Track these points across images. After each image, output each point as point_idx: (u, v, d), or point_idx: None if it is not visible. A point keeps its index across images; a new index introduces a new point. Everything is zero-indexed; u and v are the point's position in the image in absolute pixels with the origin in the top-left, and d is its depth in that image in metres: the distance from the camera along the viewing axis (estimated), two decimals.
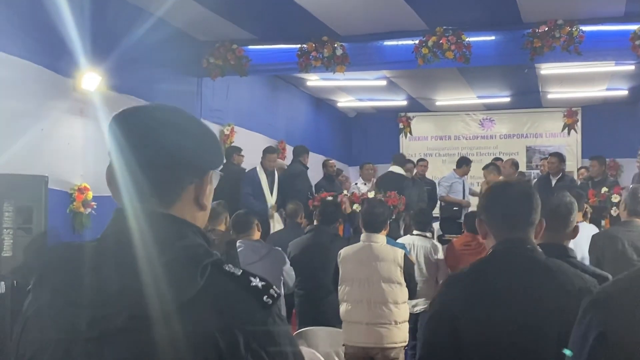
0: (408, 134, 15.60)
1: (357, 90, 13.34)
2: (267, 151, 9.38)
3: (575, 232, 3.25)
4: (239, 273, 1.39)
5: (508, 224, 2.53)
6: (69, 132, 7.03)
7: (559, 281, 2.42)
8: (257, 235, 5.66)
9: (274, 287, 1.40)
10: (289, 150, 11.63)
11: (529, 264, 2.47)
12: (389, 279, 5.03)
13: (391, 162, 10.37)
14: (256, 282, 1.38)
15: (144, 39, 7.69)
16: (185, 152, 1.44)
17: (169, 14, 8.03)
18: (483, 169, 10.79)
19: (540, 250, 2.56)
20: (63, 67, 6.88)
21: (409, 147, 15.50)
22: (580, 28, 8.28)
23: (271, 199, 9.13)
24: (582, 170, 11.82)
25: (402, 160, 10.60)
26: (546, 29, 8.32)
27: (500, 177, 9.91)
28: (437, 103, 14.37)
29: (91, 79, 7.13)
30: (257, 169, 9.18)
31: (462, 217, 9.68)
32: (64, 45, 6.57)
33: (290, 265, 5.76)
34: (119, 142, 1.43)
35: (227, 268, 1.38)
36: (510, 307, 2.37)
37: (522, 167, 13.69)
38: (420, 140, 15.53)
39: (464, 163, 11.36)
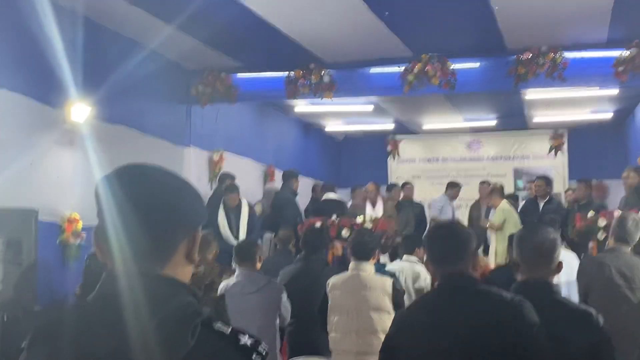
0: (396, 157, 15.64)
1: (345, 114, 13.42)
2: (228, 190, 9.18)
3: (559, 268, 3.30)
4: (228, 331, 1.43)
5: (440, 259, 2.88)
6: (59, 163, 7.07)
7: (489, 308, 2.64)
8: (257, 265, 5.66)
9: (263, 344, 1.44)
10: (278, 175, 11.70)
11: (469, 296, 2.71)
12: (377, 307, 5.07)
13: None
14: (245, 340, 1.43)
15: (134, 70, 7.79)
16: (181, 211, 1.50)
17: (158, 45, 8.13)
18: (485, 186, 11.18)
19: (474, 279, 2.83)
20: (52, 98, 6.93)
21: (397, 169, 15.55)
22: (564, 55, 8.41)
23: (231, 238, 8.83)
24: (569, 192, 11.93)
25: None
26: (530, 55, 8.44)
27: (503, 201, 9.99)
28: (425, 126, 14.48)
29: (81, 110, 7.19)
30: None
31: None
32: (53, 77, 6.65)
33: None
34: (118, 203, 1.46)
35: (216, 327, 1.43)
36: (447, 336, 2.55)
37: (510, 189, 13.80)
38: (409, 162, 15.57)
39: (454, 187, 11.57)
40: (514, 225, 9.13)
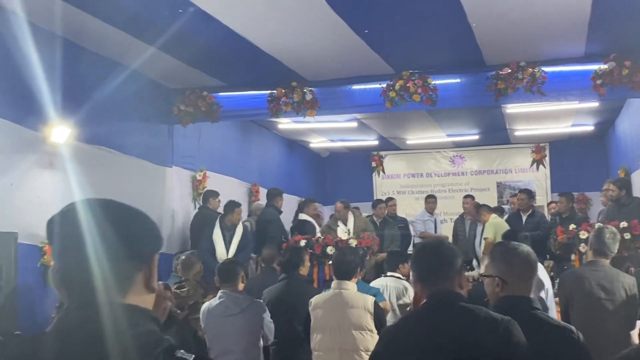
0: (381, 173, 15.73)
1: (328, 131, 13.46)
2: (232, 206, 9.28)
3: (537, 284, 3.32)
4: (191, 359, 1.43)
5: (426, 278, 2.93)
6: (39, 185, 7.01)
7: (478, 326, 2.66)
8: (241, 286, 5.62)
9: None
10: (263, 192, 11.69)
11: (457, 314, 2.73)
12: (359, 326, 5.06)
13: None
14: None
15: (115, 90, 7.79)
16: (134, 242, 1.52)
17: (139, 65, 8.13)
18: (469, 200, 11.18)
19: (461, 297, 2.85)
20: (32, 120, 6.89)
21: (382, 185, 15.63)
22: (543, 69, 8.50)
23: (224, 254, 8.88)
24: (553, 204, 11.99)
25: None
26: (509, 71, 8.51)
27: (492, 215, 10.01)
28: (408, 142, 14.55)
29: (60, 132, 7.15)
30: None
31: None
32: (33, 99, 6.63)
33: None
34: (73, 237, 1.47)
35: (178, 354, 1.43)
36: (435, 353, 2.58)
37: (494, 202, 13.86)
38: (393, 178, 15.66)
39: (429, 199, 11.72)
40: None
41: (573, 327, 3.22)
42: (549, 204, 12.55)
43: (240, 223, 9.22)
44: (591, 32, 7.56)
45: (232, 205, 9.21)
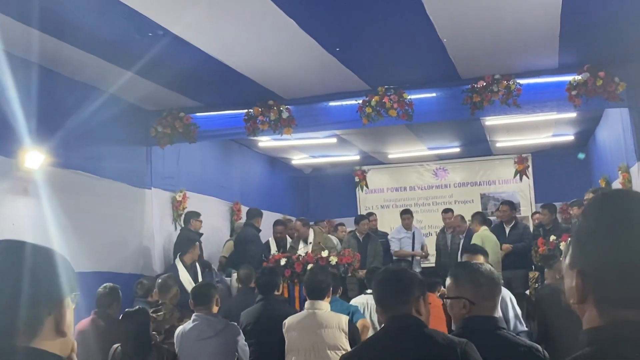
0: (364, 187, 15.72)
1: (309, 148, 13.46)
2: (190, 246, 8.73)
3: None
4: None
5: (384, 303, 3.03)
6: (13, 212, 6.96)
7: (435, 350, 2.74)
8: (215, 309, 5.58)
9: None
10: (245, 211, 11.64)
11: (414, 337, 2.81)
12: (334, 346, 5.03)
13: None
14: None
15: (91, 114, 7.80)
16: (43, 286, 1.49)
17: (115, 89, 8.13)
18: (448, 213, 11.18)
19: (419, 321, 2.91)
20: (5, 147, 6.86)
21: (366, 200, 15.62)
22: (517, 82, 8.53)
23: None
24: (537, 215, 12.01)
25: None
26: (484, 84, 8.54)
27: (482, 227, 10.00)
28: (390, 156, 14.55)
29: (34, 158, 7.11)
30: (176, 262, 8.61)
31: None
32: (6, 125, 6.60)
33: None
34: None
35: None
36: None
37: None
38: (377, 192, 15.65)
39: (404, 215, 11.51)
40: (491, 250, 9.16)
41: (539, 346, 3.21)
42: (532, 215, 12.56)
43: (197, 264, 8.74)
44: (563, 43, 7.60)
45: (190, 243, 8.77)
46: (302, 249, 9.90)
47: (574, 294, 1.40)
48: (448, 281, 3.30)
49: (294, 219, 11.33)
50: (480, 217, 10.29)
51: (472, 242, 9.69)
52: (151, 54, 7.04)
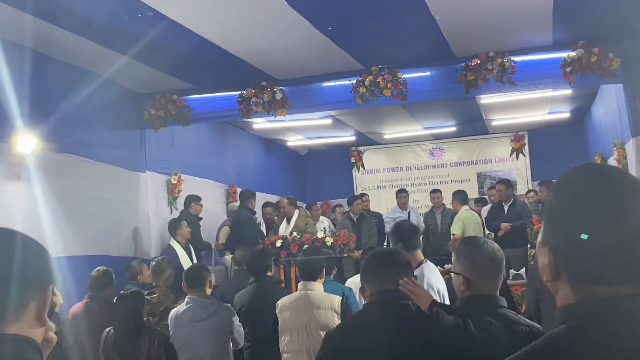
0: (361, 168, 15.71)
1: (304, 129, 13.42)
2: (177, 226, 8.92)
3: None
4: None
5: (373, 281, 3.07)
6: (6, 197, 6.93)
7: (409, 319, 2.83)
8: (208, 291, 5.57)
9: None
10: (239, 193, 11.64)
11: (394, 309, 2.88)
12: (326, 326, 5.01)
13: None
14: None
15: (84, 98, 7.76)
16: (26, 272, 1.48)
17: (108, 72, 8.08)
18: (437, 194, 11.11)
19: (405, 297, 2.98)
20: None
21: (362, 180, 15.62)
22: (512, 59, 8.48)
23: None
24: (531, 193, 11.99)
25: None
26: (478, 62, 8.49)
27: (464, 207, 9.96)
28: (386, 136, 14.52)
29: (27, 142, 7.06)
30: (171, 243, 8.78)
31: None
32: None
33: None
34: None
35: None
36: (374, 349, 2.64)
37: (475, 194, 13.88)
38: (373, 173, 15.65)
39: (400, 194, 11.54)
40: (472, 230, 9.16)
41: (539, 327, 3.20)
42: (527, 193, 12.55)
43: (190, 245, 8.93)
44: (556, 20, 7.55)
45: (176, 222, 8.94)
46: (283, 228, 9.92)
47: (547, 271, 1.38)
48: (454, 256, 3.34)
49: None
50: (462, 197, 10.17)
51: (453, 225, 9.66)
52: (145, 38, 6.99)
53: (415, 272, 4.64)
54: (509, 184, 10.74)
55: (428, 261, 4.76)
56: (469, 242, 3.42)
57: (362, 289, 3.16)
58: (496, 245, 3.28)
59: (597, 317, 1.29)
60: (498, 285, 3.19)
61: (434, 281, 4.42)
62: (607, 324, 1.28)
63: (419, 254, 4.76)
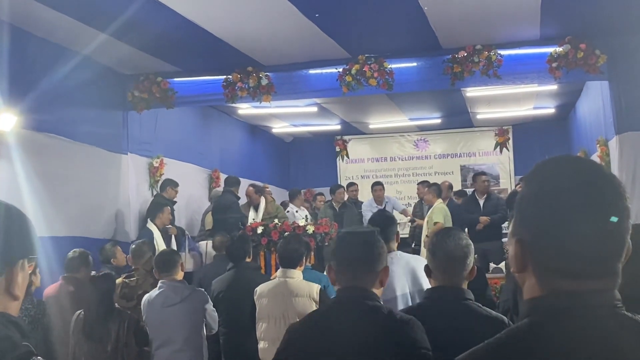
0: (345, 157, 15.69)
1: (290, 116, 13.36)
2: (159, 210, 8.99)
3: (472, 273, 3.26)
4: None
5: (348, 272, 2.72)
6: None
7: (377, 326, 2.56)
8: (180, 275, 5.53)
9: None
10: (224, 179, 11.56)
11: (360, 311, 2.60)
12: (304, 314, 4.98)
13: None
14: None
15: (65, 76, 7.63)
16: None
17: (90, 51, 7.97)
18: (425, 186, 10.87)
19: (376, 298, 2.68)
20: None
21: (346, 170, 15.60)
22: (499, 52, 8.46)
23: None
24: (519, 186, 12.02)
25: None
26: (465, 54, 8.47)
27: (439, 200, 9.94)
28: (371, 126, 14.50)
29: (6, 119, 6.96)
30: (148, 225, 8.80)
31: None
32: None
33: (214, 303, 5.69)
34: None
35: None
36: (333, 350, 2.48)
37: (458, 186, 13.90)
38: (357, 162, 15.63)
39: (375, 187, 11.38)
40: (449, 222, 9.24)
41: (505, 318, 3.22)
42: (517, 185, 12.51)
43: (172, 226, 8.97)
44: (544, 14, 7.53)
45: (160, 206, 8.96)
46: (251, 216, 9.89)
47: (514, 262, 1.36)
48: None
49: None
50: (437, 190, 10.18)
51: (436, 215, 9.64)
52: (127, 16, 6.86)
53: None
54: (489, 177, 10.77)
55: (398, 252, 4.66)
56: (438, 234, 3.42)
57: (329, 268, 2.81)
58: (465, 241, 3.26)
59: (561, 312, 1.27)
60: (458, 279, 3.18)
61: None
62: (570, 319, 1.26)
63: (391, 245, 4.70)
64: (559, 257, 1.29)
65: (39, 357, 1.37)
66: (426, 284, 4.13)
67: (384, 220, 4.70)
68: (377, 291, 2.74)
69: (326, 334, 2.58)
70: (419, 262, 4.28)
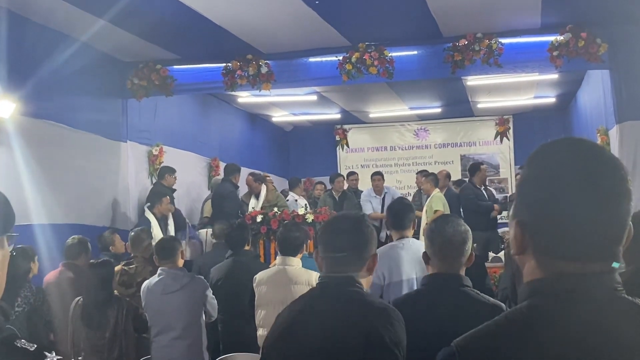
0: (345, 146, 15.67)
1: (290, 105, 13.32)
2: (157, 198, 8.91)
3: (470, 260, 3.25)
4: (32, 349, 1.34)
5: (332, 258, 2.58)
6: None
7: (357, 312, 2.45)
8: (180, 262, 5.51)
9: None
10: (223, 167, 11.54)
11: (339, 302, 2.50)
12: None
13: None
14: (51, 357, 1.34)
15: (64, 63, 7.60)
16: None
17: (90, 38, 7.93)
18: (422, 175, 10.78)
19: (358, 285, 2.55)
20: None
21: (346, 159, 15.58)
22: (499, 41, 8.43)
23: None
24: (518, 176, 11.98)
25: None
26: (466, 42, 8.44)
27: (436, 190, 9.91)
28: (371, 115, 14.46)
29: (5, 106, 6.93)
30: (146, 214, 8.72)
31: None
32: None
33: (213, 291, 5.68)
34: None
35: (19, 344, 1.33)
36: (313, 336, 2.43)
37: (458, 175, 13.88)
38: (357, 152, 15.61)
39: (375, 177, 11.05)
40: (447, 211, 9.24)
41: (503, 305, 3.22)
42: (516, 176, 12.47)
43: (170, 214, 8.92)
44: (545, 3, 7.51)
45: (159, 195, 8.89)
46: (252, 205, 9.87)
47: (514, 244, 1.35)
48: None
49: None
50: (435, 179, 10.14)
51: (435, 203, 9.60)
52: (125, 2, 6.81)
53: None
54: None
55: (410, 239, 4.80)
56: (436, 220, 3.41)
57: (315, 253, 2.69)
58: (463, 227, 3.24)
59: (561, 294, 1.26)
60: (456, 265, 3.18)
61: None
62: (571, 302, 1.25)
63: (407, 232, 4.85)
64: (559, 239, 1.28)
65: (22, 340, 1.36)
66: None
67: (402, 208, 4.94)
68: (366, 279, 2.64)
69: (304, 320, 2.50)
70: None
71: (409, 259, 4.56)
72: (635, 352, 1.20)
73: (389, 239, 8.13)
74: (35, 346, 1.34)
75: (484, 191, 10.19)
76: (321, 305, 2.53)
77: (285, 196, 11.05)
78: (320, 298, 2.58)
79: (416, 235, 10.14)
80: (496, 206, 9.82)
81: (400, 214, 4.87)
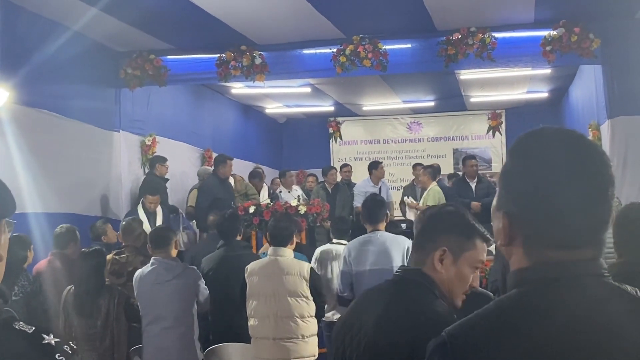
0: (338, 139, 15.68)
1: (283, 97, 13.32)
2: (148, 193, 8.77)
3: None
4: (31, 331, 1.35)
5: None
6: None
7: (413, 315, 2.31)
8: (174, 252, 5.51)
9: (70, 343, 1.36)
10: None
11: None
12: (294, 292, 5.04)
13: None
14: (49, 339, 1.35)
15: (57, 51, 7.57)
16: None
17: (83, 26, 7.90)
18: (421, 167, 10.81)
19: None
20: None
21: (339, 151, 15.60)
22: (493, 35, 8.45)
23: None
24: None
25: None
26: (459, 36, 8.46)
27: (434, 183, 9.94)
28: (364, 108, 14.47)
29: None
30: (138, 207, 8.67)
31: None
32: None
33: (205, 281, 5.68)
34: None
35: (17, 326, 1.35)
36: (360, 333, 2.39)
37: (450, 169, 13.93)
38: (350, 144, 15.63)
39: (372, 168, 10.92)
40: None
41: (492, 295, 3.25)
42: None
43: (159, 209, 8.81)
44: None
45: (147, 191, 8.78)
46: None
47: (501, 235, 1.37)
48: None
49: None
50: (433, 172, 10.15)
51: (431, 198, 9.62)
52: None
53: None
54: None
55: (379, 233, 5.32)
56: (428, 210, 3.43)
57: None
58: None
59: (549, 282, 1.28)
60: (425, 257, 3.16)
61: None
62: (559, 289, 1.27)
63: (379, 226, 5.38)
64: (546, 227, 1.30)
65: (21, 323, 1.37)
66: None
67: (374, 204, 5.51)
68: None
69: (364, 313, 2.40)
70: (395, 241, 5.16)
71: (374, 250, 5.16)
72: (621, 336, 1.22)
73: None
74: (34, 328, 1.36)
75: (473, 185, 10.18)
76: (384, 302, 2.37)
77: (277, 188, 11.07)
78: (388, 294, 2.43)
79: (409, 230, 10.21)
80: (474, 204, 9.65)
81: (374, 209, 5.40)
